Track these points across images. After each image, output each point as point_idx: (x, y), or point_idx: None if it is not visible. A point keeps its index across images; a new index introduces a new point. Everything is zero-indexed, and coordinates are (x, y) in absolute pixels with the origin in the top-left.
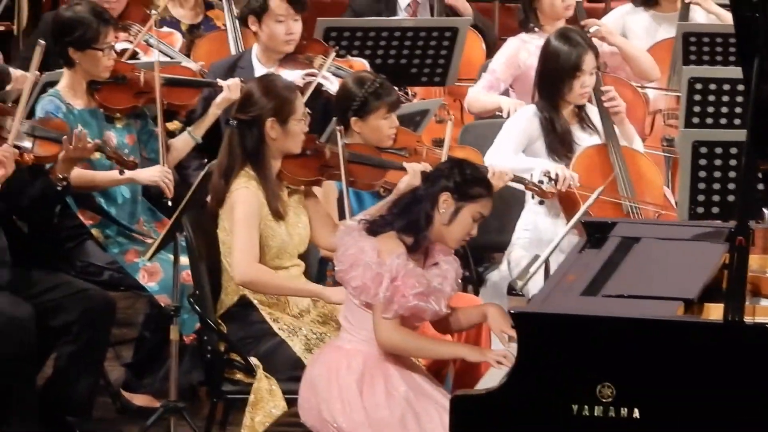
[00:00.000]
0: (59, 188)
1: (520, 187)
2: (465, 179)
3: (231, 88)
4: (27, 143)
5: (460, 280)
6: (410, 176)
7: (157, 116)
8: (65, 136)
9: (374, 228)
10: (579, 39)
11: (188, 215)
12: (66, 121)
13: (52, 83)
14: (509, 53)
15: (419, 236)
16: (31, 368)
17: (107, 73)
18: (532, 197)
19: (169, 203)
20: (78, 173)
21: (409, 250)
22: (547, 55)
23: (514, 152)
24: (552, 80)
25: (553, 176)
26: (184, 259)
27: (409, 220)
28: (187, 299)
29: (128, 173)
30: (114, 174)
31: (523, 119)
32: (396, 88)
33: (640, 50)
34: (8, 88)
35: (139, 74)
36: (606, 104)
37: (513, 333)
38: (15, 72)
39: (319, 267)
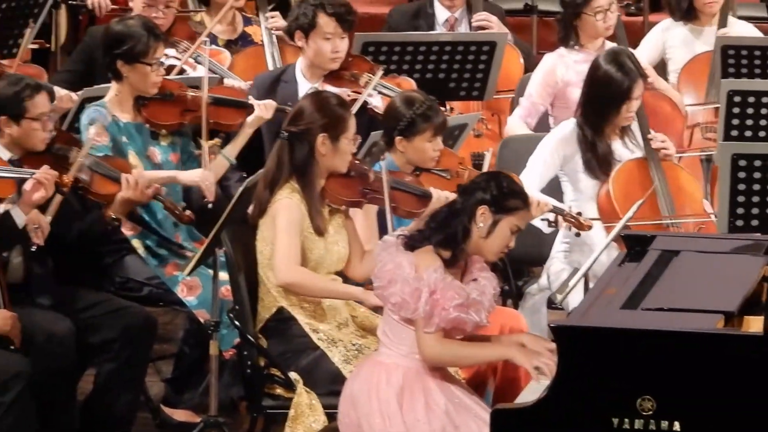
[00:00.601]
0: (109, 229)
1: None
2: (502, 192)
3: (264, 108)
4: (85, 176)
5: (498, 296)
6: (435, 203)
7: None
8: (124, 176)
9: (411, 243)
10: (630, 65)
11: (227, 230)
12: (112, 131)
13: (91, 99)
14: (546, 71)
15: (457, 250)
16: (70, 384)
17: (155, 89)
18: (569, 229)
19: (210, 205)
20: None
21: (446, 264)
22: (596, 78)
23: (540, 180)
24: (600, 105)
25: (552, 219)
26: (223, 275)
27: (447, 234)
28: (226, 314)
29: (170, 172)
30: (156, 172)
31: (558, 139)
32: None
33: (674, 93)
34: (52, 107)
35: (186, 92)
36: (654, 145)
37: (543, 366)
38: (59, 91)
39: (357, 285)
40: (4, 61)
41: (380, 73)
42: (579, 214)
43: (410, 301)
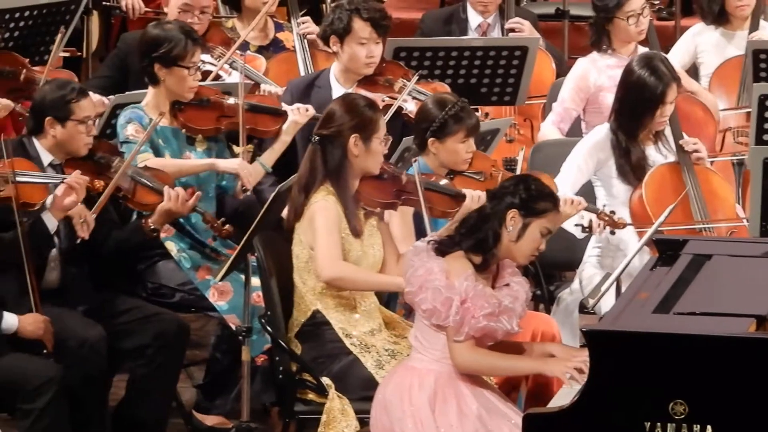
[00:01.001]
0: (148, 239)
1: (593, 216)
2: (531, 195)
3: (297, 112)
4: (127, 185)
5: (530, 301)
6: (469, 202)
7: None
8: (167, 188)
9: (442, 248)
10: (664, 70)
11: (259, 236)
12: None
13: (122, 106)
14: (578, 76)
15: (488, 255)
16: (102, 390)
17: (191, 94)
18: (603, 228)
19: (248, 192)
20: (161, 162)
21: (477, 270)
22: (630, 83)
23: (573, 185)
24: (634, 109)
25: (586, 225)
26: (255, 280)
27: (477, 239)
28: (258, 320)
29: (208, 160)
30: (191, 161)
31: (592, 144)
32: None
33: (709, 97)
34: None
35: (223, 99)
36: (687, 148)
37: (575, 374)
38: (93, 96)
39: None
40: (36, 68)
41: (415, 78)
42: (612, 212)
43: (441, 309)
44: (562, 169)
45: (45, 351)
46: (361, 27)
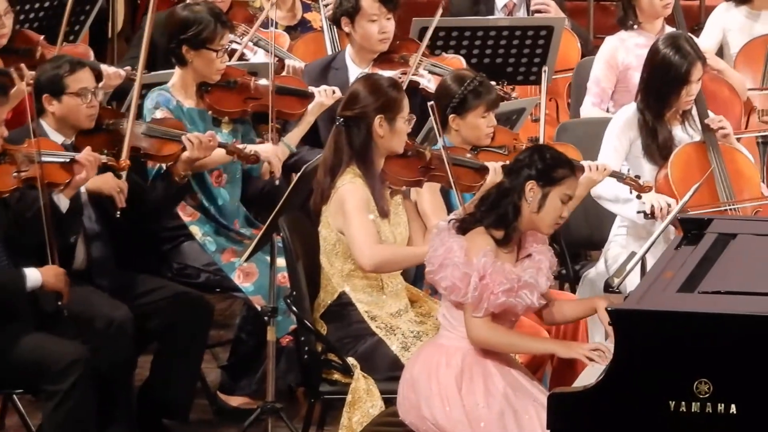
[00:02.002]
0: (181, 187)
1: (655, 201)
2: (546, 164)
3: (324, 94)
4: (144, 144)
5: (554, 270)
6: (492, 174)
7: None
8: (184, 135)
9: (463, 226)
10: (689, 48)
11: (285, 216)
12: (176, 115)
13: (150, 85)
14: (607, 55)
15: (509, 229)
16: (128, 370)
17: (218, 76)
18: (630, 192)
19: (276, 182)
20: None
21: (499, 244)
22: (655, 62)
23: (617, 167)
24: (660, 89)
25: (649, 211)
26: (280, 261)
27: (498, 215)
28: (283, 300)
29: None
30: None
31: (622, 124)
32: (497, 84)
33: (736, 76)
34: (100, 85)
35: (250, 80)
36: (712, 125)
37: (593, 356)
38: (107, 69)
39: (417, 268)
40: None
41: (420, 51)
42: (638, 177)
43: (460, 285)
44: (601, 155)
45: (60, 303)
46: (369, 4)
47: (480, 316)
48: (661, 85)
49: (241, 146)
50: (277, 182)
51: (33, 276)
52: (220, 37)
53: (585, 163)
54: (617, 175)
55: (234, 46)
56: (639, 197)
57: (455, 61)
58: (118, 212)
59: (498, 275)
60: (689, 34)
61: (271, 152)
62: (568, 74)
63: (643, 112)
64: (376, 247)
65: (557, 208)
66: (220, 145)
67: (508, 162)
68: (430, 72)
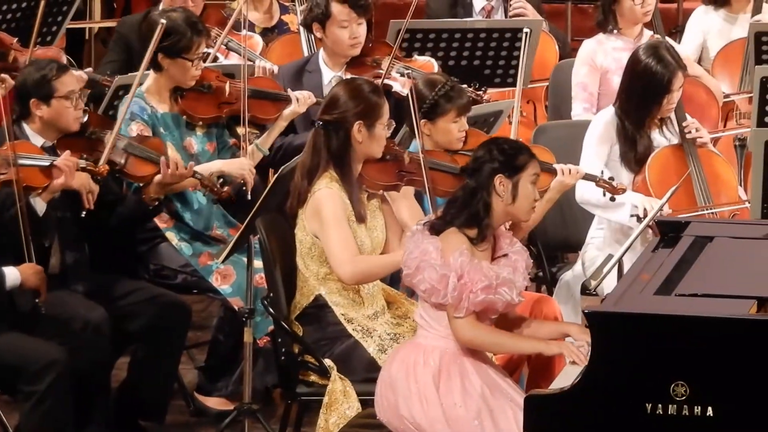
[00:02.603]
0: (150, 209)
1: (592, 184)
2: (507, 155)
3: (300, 101)
4: (120, 159)
5: (531, 272)
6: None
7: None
8: (162, 158)
9: (436, 228)
10: (670, 58)
11: (262, 218)
12: (151, 123)
13: (126, 87)
14: (587, 57)
15: (482, 226)
16: (105, 372)
17: (193, 82)
18: (603, 194)
19: (248, 197)
20: None
21: (473, 243)
22: (636, 72)
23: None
24: (641, 98)
25: (642, 214)
26: (257, 263)
27: (470, 214)
28: (261, 302)
29: (218, 165)
30: (201, 166)
31: (602, 129)
32: (471, 88)
33: (711, 80)
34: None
35: (225, 84)
36: (689, 137)
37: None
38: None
39: None
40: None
41: (392, 54)
42: (611, 179)
43: (439, 287)
44: (582, 161)
45: (37, 300)
46: (339, 10)
47: (462, 315)
48: (643, 94)
49: (215, 180)
50: (249, 197)
51: (12, 275)
52: (197, 46)
53: (557, 167)
54: (591, 178)
55: (206, 49)
56: (613, 199)
57: (427, 64)
58: (84, 212)
59: (476, 273)
60: (669, 41)
61: (243, 169)
62: (545, 83)
63: (623, 119)
64: (355, 259)
65: (530, 192)
66: (196, 176)
67: (461, 168)
68: (402, 75)
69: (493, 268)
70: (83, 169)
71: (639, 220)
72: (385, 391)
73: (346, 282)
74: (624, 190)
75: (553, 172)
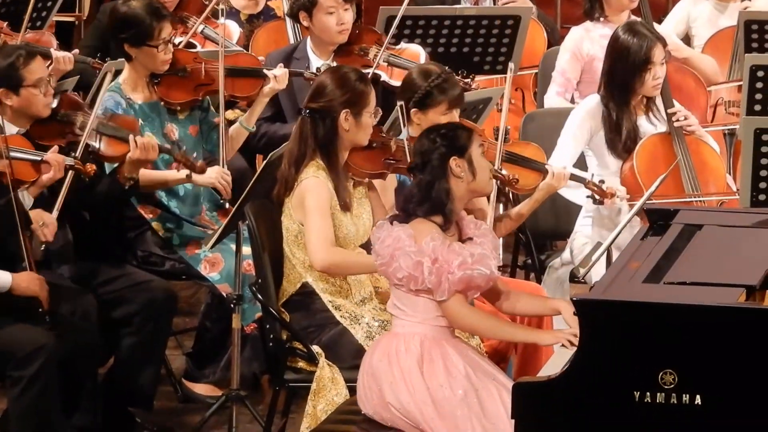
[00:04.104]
0: (126, 188)
1: (580, 186)
2: (450, 136)
3: (278, 79)
4: (94, 142)
5: (521, 270)
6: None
7: (218, 105)
8: (131, 135)
9: (400, 221)
10: (646, 31)
11: (250, 204)
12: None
13: (116, 72)
14: (573, 45)
15: (445, 211)
16: (94, 360)
17: (166, 67)
18: (593, 198)
19: (226, 205)
20: (143, 174)
21: (442, 229)
22: (615, 50)
23: (572, 155)
24: (623, 76)
25: (598, 198)
26: (246, 249)
27: (432, 203)
28: (249, 288)
29: (184, 175)
30: (172, 174)
31: (584, 113)
32: (459, 76)
33: (705, 58)
34: (50, 69)
35: (201, 64)
36: (677, 125)
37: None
38: (56, 53)
39: None
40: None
41: (385, 43)
42: (601, 182)
43: (416, 274)
44: (559, 142)
45: (41, 310)
46: None
47: (446, 298)
48: (624, 71)
49: (187, 156)
50: (227, 205)
51: (2, 278)
52: (159, 31)
53: (548, 167)
54: (580, 180)
55: (180, 37)
56: (601, 203)
57: (413, 52)
58: (42, 246)
59: (449, 254)
60: (646, 22)
61: (216, 178)
62: (534, 70)
63: (607, 104)
64: (331, 249)
65: (484, 163)
66: (165, 151)
67: (407, 167)
68: (391, 64)
69: (465, 247)
70: (71, 168)
71: (595, 201)
72: (368, 382)
73: (316, 269)
74: (613, 195)
75: (543, 172)
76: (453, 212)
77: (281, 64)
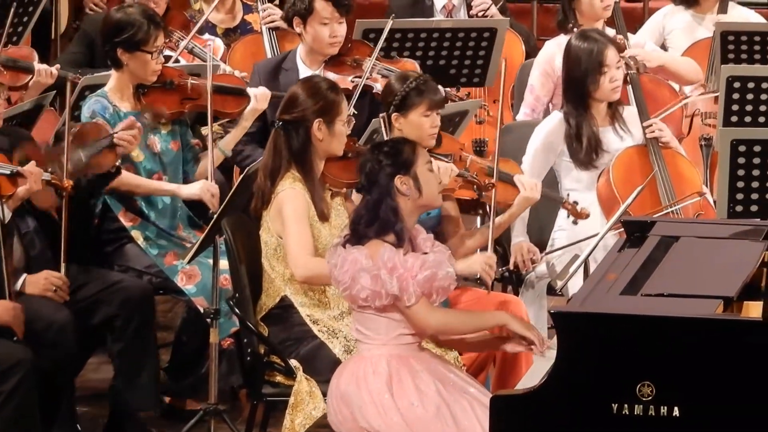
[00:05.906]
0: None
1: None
2: (393, 153)
3: (258, 98)
4: (85, 170)
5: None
6: (442, 175)
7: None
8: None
9: (354, 241)
10: (597, 36)
11: (228, 218)
12: (113, 122)
13: (92, 87)
14: (544, 61)
15: (396, 228)
16: (70, 374)
17: (155, 77)
18: (567, 216)
19: (201, 224)
20: (123, 176)
21: (395, 247)
22: (570, 58)
23: (539, 174)
24: (578, 82)
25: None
26: (223, 263)
27: (381, 223)
28: (226, 302)
29: (171, 187)
30: (158, 184)
31: (547, 131)
32: (446, 88)
33: (682, 60)
34: (31, 82)
35: (187, 81)
36: (650, 136)
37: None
38: (38, 66)
39: None
40: None
41: (375, 54)
42: (575, 203)
43: (377, 288)
44: (524, 161)
45: (15, 339)
46: (322, 7)
47: (414, 302)
48: (579, 77)
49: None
50: (202, 224)
51: None
52: (154, 38)
53: (517, 181)
54: (556, 199)
55: (168, 52)
56: (575, 223)
57: (408, 65)
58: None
59: (408, 259)
60: (630, 36)
61: (201, 191)
62: (511, 82)
63: (568, 117)
64: (311, 259)
65: (431, 177)
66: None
67: (355, 188)
68: (384, 75)
69: (421, 255)
70: (48, 183)
71: (510, 273)
72: (338, 407)
73: (297, 279)
74: (588, 215)
75: (517, 185)
76: (404, 230)
77: (266, 90)
